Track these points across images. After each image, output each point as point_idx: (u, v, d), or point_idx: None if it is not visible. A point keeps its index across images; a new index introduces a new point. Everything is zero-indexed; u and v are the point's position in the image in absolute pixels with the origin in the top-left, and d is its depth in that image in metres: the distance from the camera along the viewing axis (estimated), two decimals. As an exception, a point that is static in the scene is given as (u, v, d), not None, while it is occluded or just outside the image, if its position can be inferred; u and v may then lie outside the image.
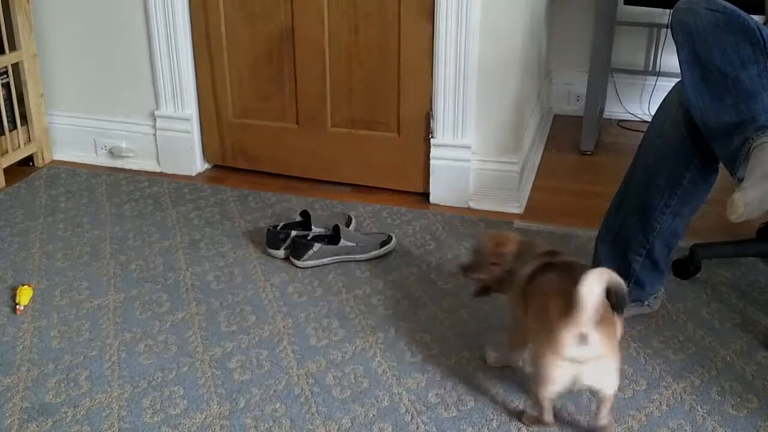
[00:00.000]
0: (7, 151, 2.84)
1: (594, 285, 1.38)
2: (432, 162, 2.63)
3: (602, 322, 1.42)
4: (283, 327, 1.96)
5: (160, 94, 2.86)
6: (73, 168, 2.97)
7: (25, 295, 2.06)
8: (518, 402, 1.69)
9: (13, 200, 2.69)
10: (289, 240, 2.28)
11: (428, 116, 2.59)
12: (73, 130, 3.03)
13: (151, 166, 2.97)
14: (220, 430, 1.62)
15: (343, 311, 2.04)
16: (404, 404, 1.69)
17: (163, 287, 2.15)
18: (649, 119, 1.94)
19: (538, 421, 1.59)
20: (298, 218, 2.40)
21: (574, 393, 1.55)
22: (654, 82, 3.35)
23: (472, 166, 2.60)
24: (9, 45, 2.80)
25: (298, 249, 2.25)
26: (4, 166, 2.81)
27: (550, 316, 1.46)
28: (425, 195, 2.69)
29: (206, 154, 2.96)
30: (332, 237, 2.29)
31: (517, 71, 2.50)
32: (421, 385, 1.74)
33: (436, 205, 2.66)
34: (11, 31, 2.80)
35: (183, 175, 2.92)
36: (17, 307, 2.03)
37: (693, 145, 1.77)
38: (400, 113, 2.64)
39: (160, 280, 2.19)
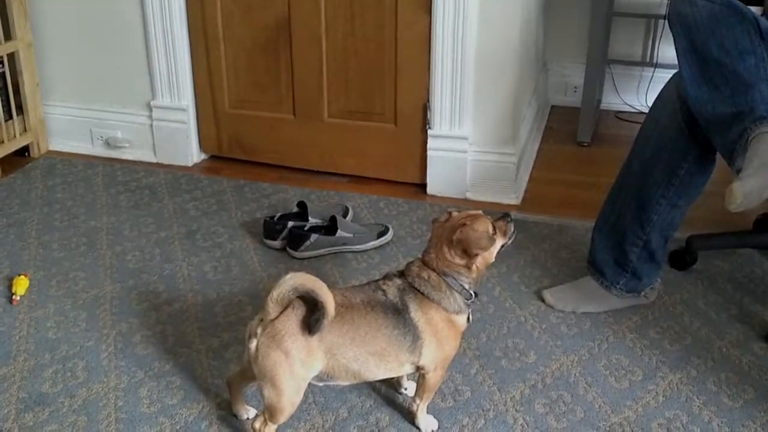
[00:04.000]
0: (2, 142, 2.83)
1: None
2: (429, 153, 2.63)
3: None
4: (280, 317, 1.96)
5: (156, 84, 2.85)
6: (69, 158, 2.96)
7: (21, 286, 2.06)
8: (515, 392, 1.69)
9: (9, 191, 2.69)
10: (286, 231, 2.28)
11: (425, 107, 2.59)
12: (69, 121, 3.02)
13: (147, 156, 2.96)
14: (217, 420, 1.62)
15: (340, 302, 2.03)
16: (401, 394, 1.69)
17: (160, 278, 2.15)
18: (647, 110, 1.94)
19: None
20: (295, 209, 2.40)
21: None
22: (651, 74, 3.34)
23: (469, 157, 2.60)
24: (4, 34, 2.78)
25: (294, 240, 2.25)
26: (0, 156, 2.80)
27: None
28: (422, 186, 2.69)
29: (203, 144, 2.95)
30: (329, 228, 2.29)
31: (514, 62, 2.49)
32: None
33: (433, 196, 2.66)
34: (6, 21, 2.79)
35: (179, 166, 2.91)
36: (13, 297, 2.03)
37: (690, 137, 1.77)
38: (397, 104, 2.63)
39: (156, 270, 2.18)
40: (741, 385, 1.72)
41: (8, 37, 2.80)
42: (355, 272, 2.18)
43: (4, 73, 2.82)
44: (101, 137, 3.00)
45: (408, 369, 1.53)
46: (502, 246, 1.58)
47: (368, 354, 1.46)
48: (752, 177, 1.47)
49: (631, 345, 1.86)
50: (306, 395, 1.67)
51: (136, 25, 2.78)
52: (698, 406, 1.66)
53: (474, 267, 1.52)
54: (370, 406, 1.66)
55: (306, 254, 2.24)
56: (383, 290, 1.51)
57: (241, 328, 1.91)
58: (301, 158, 2.83)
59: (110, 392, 1.70)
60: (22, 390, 1.71)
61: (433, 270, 1.51)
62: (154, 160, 2.95)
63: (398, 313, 1.48)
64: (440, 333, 1.50)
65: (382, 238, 2.31)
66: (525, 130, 2.80)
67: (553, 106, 3.53)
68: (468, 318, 1.56)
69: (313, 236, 2.23)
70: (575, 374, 1.75)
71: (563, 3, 3.34)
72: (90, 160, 2.95)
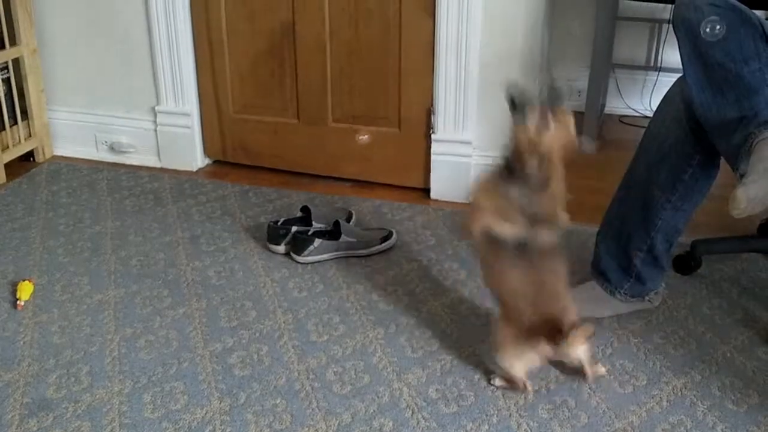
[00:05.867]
0: (7, 147, 2.84)
1: None
2: (433, 157, 2.63)
3: None
4: (284, 322, 1.96)
5: (160, 89, 2.85)
6: (74, 163, 2.97)
7: (25, 291, 2.06)
8: (519, 397, 1.69)
9: (14, 195, 2.69)
10: (290, 235, 2.28)
11: (429, 112, 2.59)
12: (73, 126, 3.03)
13: (151, 161, 2.97)
14: (221, 425, 1.62)
15: (343, 307, 2.04)
16: (405, 399, 1.69)
17: (164, 283, 2.15)
18: (651, 115, 1.94)
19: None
20: (299, 214, 2.40)
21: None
22: (655, 78, 3.34)
23: (472, 161, 2.60)
24: (9, 40, 2.79)
25: (298, 244, 2.25)
26: (5, 161, 2.81)
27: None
28: (426, 190, 2.69)
29: (207, 149, 2.96)
30: (333, 232, 2.29)
31: (517, 67, 2.49)
32: (421, 381, 1.74)
33: (436, 200, 2.66)
34: (12, 26, 2.80)
35: (184, 171, 2.92)
36: (18, 302, 2.03)
37: (694, 141, 1.76)
38: (401, 109, 2.63)
39: (160, 275, 2.19)
40: (745, 390, 1.71)
41: (13, 42, 2.81)
42: (358, 277, 2.18)
43: (9, 78, 2.83)
44: (106, 142, 3.01)
45: None
46: None
47: None
48: (756, 182, 1.46)
49: (635, 350, 1.85)
50: (309, 400, 1.68)
51: (140, 30, 2.79)
52: (702, 411, 1.65)
53: None
54: (374, 411, 1.66)
55: (310, 259, 2.24)
56: None
57: (244, 333, 1.92)
58: (305, 163, 2.84)
59: (114, 397, 1.70)
60: (26, 395, 1.71)
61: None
62: (159, 165, 2.96)
63: None
64: None
65: (386, 243, 2.31)
66: (529, 135, 2.80)
67: (557, 111, 3.52)
68: None
69: (317, 241, 2.23)
70: (579, 379, 1.75)
71: (567, 7, 3.34)
72: (94, 165, 2.96)
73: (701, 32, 1.60)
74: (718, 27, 1.59)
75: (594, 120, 3.07)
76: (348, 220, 2.41)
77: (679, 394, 1.70)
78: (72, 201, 2.65)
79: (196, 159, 2.93)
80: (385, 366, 1.80)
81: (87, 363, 1.81)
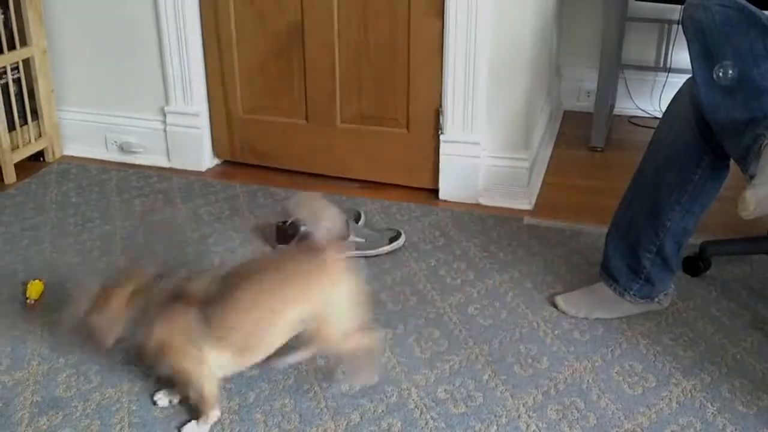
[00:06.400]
0: (18, 147, 2.85)
1: None
2: (441, 158, 2.63)
3: None
4: (293, 322, 1.96)
5: (169, 89, 2.86)
6: (84, 163, 2.98)
7: (35, 290, 2.07)
8: (528, 398, 1.69)
9: (24, 195, 2.70)
10: (298, 236, 2.28)
11: (438, 112, 2.59)
12: (83, 126, 3.04)
13: (161, 161, 2.98)
14: (230, 424, 1.62)
15: (352, 307, 2.03)
16: (413, 400, 1.69)
17: (173, 282, 2.15)
18: (660, 115, 1.94)
19: None
20: (308, 214, 2.40)
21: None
22: (665, 79, 3.33)
23: (481, 162, 2.59)
24: (20, 40, 2.81)
25: (307, 245, 2.25)
26: (15, 161, 2.82)
27: None
28: (434, 191, 2.69)
29: (216, 149, 2.96)
30: (341, 233, 2.30)
31: (526, 67, 2.49)
32: (429, 381, 1.75)
33: (445, 201, 2.66)
34: (22, 27, 2.81)
35: (192, 171, 2.92)
36: (28, 301, 2.04)
37: (704, 142, 1.76)
38: (410, 109, 2.64)
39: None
40: (755, 392, 1.71)
41: (24, 43, 2.82)
42: (366, 277, 2.17)
43: (19, 78, 2.85)
44: (115, 142, 3.02)
45: None
46: None
47: None
48: (765, 184, 1.46)
49: (644, 351, 1.85)
50: (318, 400, 1.68)
51: (149, 30, 2.80)
52: (712, 413, 1.65)
53: None
54: (382, 411, 1.66)
55: (318, 259, 2.24)
56: None
57: (253, 333, 1.92)
58: (314, 163, 2.84)
59: (123, 396, 1.71)
60: (36, 394, 1.72)
61: None
62: (168, 165, 2.97)
63: None
64: None
65: (394, 243, 2.31)
66: (538, 135, 2.80)
67: (566, 111, 3.52)
68: None
69: (326, 241, 2.23)
70: (588, 380, 1.75)
71: (577, 7, 3.34)
72: (104, 165, 2.97)
73: (714, 75, 1.60)
74: (730, 72, 1.58)
75: (603, 120, 3.07)
76: (357, 220, 2.41)
77: (689, 395, 1.70)
78: (81, 201, 2.66)
79: (205, 159, 2.94)
80: (394, 366, 1.80)
81: (96, 362, 1.82)
